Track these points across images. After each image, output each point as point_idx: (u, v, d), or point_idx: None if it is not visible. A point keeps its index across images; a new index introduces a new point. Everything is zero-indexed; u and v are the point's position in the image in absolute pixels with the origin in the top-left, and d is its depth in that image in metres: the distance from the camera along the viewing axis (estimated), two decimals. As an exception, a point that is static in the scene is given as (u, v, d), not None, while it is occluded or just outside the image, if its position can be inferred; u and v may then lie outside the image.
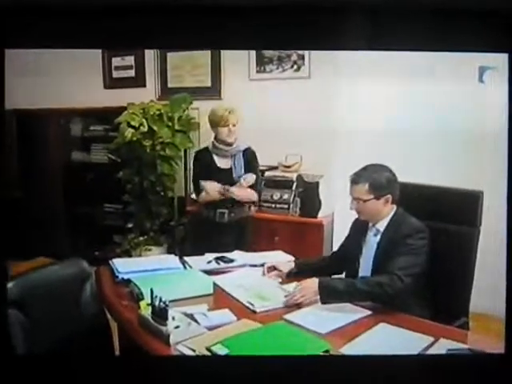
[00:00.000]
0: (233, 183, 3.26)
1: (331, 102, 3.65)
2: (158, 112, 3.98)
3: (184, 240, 3.92)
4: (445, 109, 3.28)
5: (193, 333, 2.01)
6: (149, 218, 4.10)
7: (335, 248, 2.81)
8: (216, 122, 3.23)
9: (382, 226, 2.42)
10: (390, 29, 2.17)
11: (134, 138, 3.92)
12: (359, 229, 2.52)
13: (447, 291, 2.39)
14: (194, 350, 1.92)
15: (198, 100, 4.01)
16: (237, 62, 4.04)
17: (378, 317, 2.17)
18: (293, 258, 2.77)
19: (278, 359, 1.97)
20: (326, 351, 1.93)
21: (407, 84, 3.35)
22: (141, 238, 4.03)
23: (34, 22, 2.12)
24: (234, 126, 3.23)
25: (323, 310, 2.21)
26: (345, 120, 3.65)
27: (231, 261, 2.78)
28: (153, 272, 2.55)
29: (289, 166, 3.90)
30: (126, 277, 2.47)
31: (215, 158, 3.28)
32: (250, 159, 3.29)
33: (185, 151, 4.11)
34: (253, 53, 3.96)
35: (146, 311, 2.08)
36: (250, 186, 3.28)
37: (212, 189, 3.23)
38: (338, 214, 3.71)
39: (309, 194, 3.77)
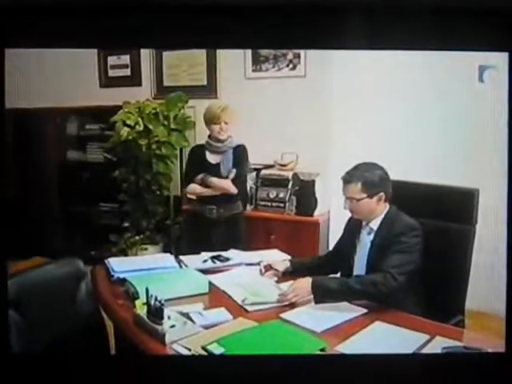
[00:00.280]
0: (220, 177, 3.32)
1: (327, 101, 3.65)
2: (153, 111, 3.97)
3: (179, 239, 3.92)
4: (444, 108, 3.28)
5: (188, 332, 2.01)
6: (145, 217, 4.09)
7: (331, 246, 2.81)
8: (209, 120, 3.30)
9: (375, 224, 2.42)
10: (389, 28, 2.18)
11: (130, 137, 3.91)
12: (353, 228, 2.52)
13: (443, 289, 2.40)
14: (189, 349, 1.92)
15: (194, 99, 4.00)
16: (233, 61, 4.03)
17: (373, 315, 2.18)
18: (289, 257, 2.77)
19: (273, 358, 1.97)
20: (322, 350, 1.94)
21: (406, 83, 3.36)
22: (137, 237, 4.02)
23: (34, 22, 2.12)
24: (226, 123, 3.28)
25: (319, 309, 2.21)
26: (340, 118, 3.66)
27: (227, 259, 2.78)
28: (148, 271, 2.54)
29: (285, 165, 3.89)
30: (121, 276, 2.47)
31: (207, 153, 3.35)
32: (237, 156, 3.34)
33: (180, 150, 4.10)
34: (249, 51, 3.95)
35: (141, 310, 2.08)
36: (233, 180, 3.32)
37: (194, 185, 3.34)
38: (333, 212, 3.71)
39: (305, 193, 3.77)
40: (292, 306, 2.25)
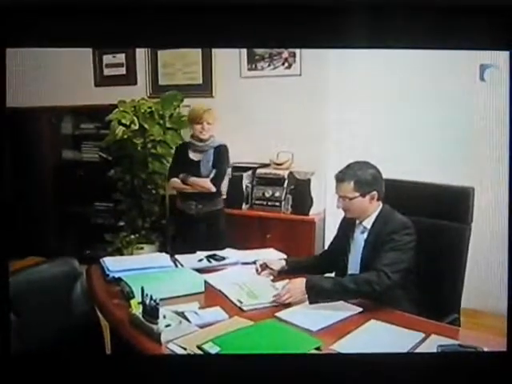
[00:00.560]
0: (199, 176, 3.46)
1: (322, 100, 3.65)
2: (149, 110, 3.96)
3: (174, 238, 3.92)
4: (445, 107, 3.29)
5: (184, 331, 2.00)
6: (140, 216, 4.08)
7: (327, 245, 2.81)
8: (192, 119, 3.46)
9: (368, 223, 2.42)
10: (389, 26, 2.17)
11: (125, 136, 3.91)
12: (347, 227, 2.52)
13: (438, 287, 2.40)
14: (185, 349, 1.92)
15: (190, 97, 3.99)
16: (228, 60, 4.03)
17: (368, 314, 2.18)
18: (285, 256, 2.77)
19: (269, 357, 1.97)
20: (318, 348, 1.94)
21: (404, 82, 3.36)
22: (132, 237, 4.01)
23: (33, 22, 2.12)
24: (208, 124, 3.42)
25: (314, 308, 2.21)
26: (336, 117, 3.65)
27: (223, 259, 2.78)
28: (144, 270, 2.54)
29: (280, 164, 3.90)
30: (116, 275, 2.46)
31: (190, 151, 3.49)
32: (217, 155, 3.46)
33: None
34: (244, 50, 3.95)
35: (136, 310, 2.08)
36: (212, 179, 3.44)
37: (175, 179, 3.49)
38: (329, 211, 3.71)
39: (300, 192, 3.77)
40: (287, 305, 2.25)
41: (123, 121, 3.89)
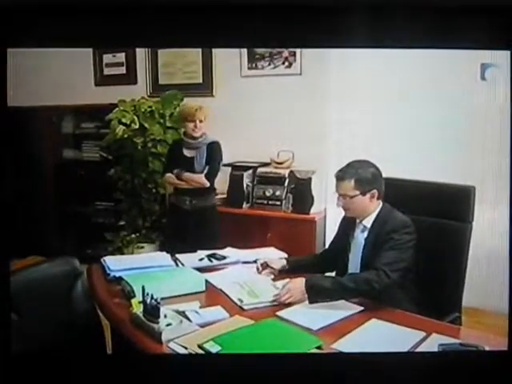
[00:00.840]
0: (193, 171, 3.50)
1: (323, 99, 3.65)
2: (149, 109, 3.96)
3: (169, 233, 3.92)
4: (446, 106, 3.29)
5: (185, 330, 2.00)
6: (141, 216, 4.08)
7: (328, 244, 2.81)
8: (184, 117, 3.50)
9: (368, 222, 2.42)
10: (389, 26, 2.17)
11: (126, 135, 3.91)
12: (347, 226, 2.52)
13: (439, 286, 2.40)
14: (186, 348, 1.92)
15: (190, 97, 3.99)
16: (228, 59, 4.03)
17: (369, 313, 2.18)
18: (285, 255, 2.77)
19: (269, 356, 1.97)
20: (319, 347, 1.94)
21: (405, 81, 3.36)
22: (133, 236, 4.01)
23: (34, 22, 2.12)
24: (200, 122, 3.46)
25: (315, 307, 2.21)
26: (336, 116, 3.65)
27: (223, 258, 2.78)
28: (144, 270, 2.54)
29: (281, 163, 3.89)
30: (117, 274, 2.46)
31: (184, 148, 3.54)
32: (210, 152, 3.50)
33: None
34: (244, 49, 3.94)
35: (137, 309, 2.08)
36: (206, 175, 3.49)
37: (170, 175, 3.55)
38: (330, 209, 3.71)
39: (301, 191, 3.77)
40: (288, 305, 2.24)
41: (123, 120, 3.89)
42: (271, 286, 2.41)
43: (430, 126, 3.37)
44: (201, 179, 3.48)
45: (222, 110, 3.79)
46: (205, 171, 3.49)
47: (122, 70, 4.35)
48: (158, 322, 1.97)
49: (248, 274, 2.62)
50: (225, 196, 3.93)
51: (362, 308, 2.22)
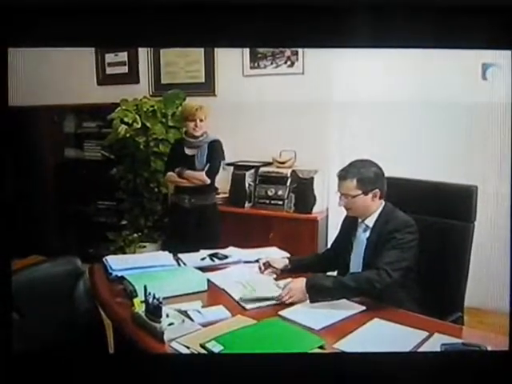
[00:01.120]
0: (194, 169, 3.52)
1: (325, 98, 3.64)
2: (151, 108, 3.96)
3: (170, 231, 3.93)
4: (447, 106, 3.28)
5: (187, 330, 2.00)
6: (143, 215, 4.08)
7: (330, 243, 2.81)
8: (185, 117, 3.52)
9: (370, 221, 2.42)
10: (390, 25, 2.17)
11: (128, 135, 3.91)
12: (349, 225, 2.52)
13: (442, 286, 2.40)
14: (188, 347, 1.92)
15: (192, 96, 3.98)
16: (230, 58, 4.03)
17: (371, 312, 2.18)
18: (288, 254, 2.76)
19: (272, 356, 1.97)
20: (321, 347, 1.94)
21: (406, 80, 3.35)
22: (135, 235, 4.01)
23: (35, 21, 2.12)
24: (201, 121, 3.47)
25: (317, 307, 2.21)
26: (339, 115, 3.65)
27: (225, 257, 2.78)
28: (146, 269, 2.54)
29: (283, 162, 3.90)
30: (119, 274, 2.46)
31: (185, 147, 3.56)
32: (211, 150, 3.52)
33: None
34: (246, 49, 3.94)
35: (139, 308, 2.08)
36: (206, 173, 3.50)
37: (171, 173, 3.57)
38: (332, 209, 3.71)
39: (303, 190, 3.77)
40: (290, 305, 2.24)
41: (125, 119, 3.89)
42: (273, 286, 2.41)
43: (431, 126, 3.37)
44: (202, 176, 3.48)
45: (224, 110, 3.79)
46: (205, 169, 3.50)
47: (125, 70, 4.35)
48: (160, 322, 1.97)
49: (250, 273, 2.62)
50: (227, 195, 3.94)
51: (364, 308, 2.21)
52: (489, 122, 2.48)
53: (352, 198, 2.38)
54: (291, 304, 2.24)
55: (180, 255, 2.78)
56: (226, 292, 2.38)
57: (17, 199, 2.27)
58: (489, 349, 2.01)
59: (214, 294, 2.37)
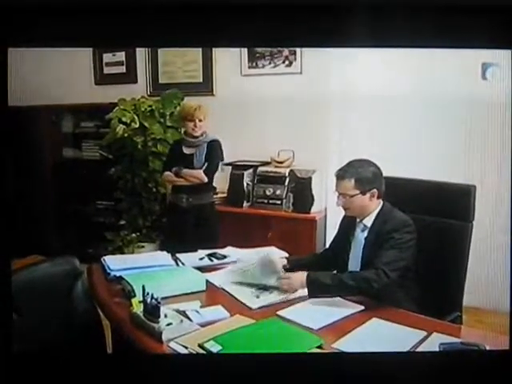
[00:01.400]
0: (192, 168, 3.51)
1: (323, 98, 3.65)
2: (149, 108, 3.96)
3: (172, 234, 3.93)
4: (447, 106, 3.28)
5: (185, 330, 2.00)
6: (141, 215, 4.08)
7: (328, 243, 2.81)
8: (183, 117, 3.50)
9: (369, 221, 2.42)
10: (390, 25, 2.16)
11: (126, 135, 3.91)
12: (347, 225, 2.52)
13: (440, 286, 2.40)
14: (186, 348, 1.92)
15: (190, 96, 3.99)
16: (229, 58, 4.03)
17: (370, 312, 2.18)
18: (286, 254, 2.76)
19: (270, 356, 1.97)
20: (319, 347, 1.94)
21: (406, 80, 3.35)
22: (133, 235, 4.01)
23: (35, 22, 2.12)
24: (200, 121, 3.45)
25: (316, 306, 2.21)
26: (337, 115, 3.65)
27: (224, 257, 2.78)
28: (145, 269, 2.53)
29: (281, 162, 3.90)
30: (117, 274, 2.46)
31: (183, 147, 3.55)
32: (210, 149, 3.51)
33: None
34: (244, 48, 3.94)
35: (138, 309, 2.07)
36: (204, 171, 3.50)
37: (169, 173, 3.56)
38: (330, 209, 3.71)
39: (301, 190, 3.77)
40: (291, 303, 2.25)
41: (123, 119, 3.89)
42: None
43: (430, 126, 3.38)
44: (199, 174, 3.48)
45: (223, 109, 3.79)
46: (204, 167, 3.49)
47: (122, 69, 4.35)
48: (158, 322, 1.97)
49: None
50: (225, 195, 3.93)
51: (362, 307, 2.22)
52: (488, 122, 2.48)
53: (350, 197, 2.38)
54: (290, 302, 2.25)
55: (178, 255, 2.77)
56: (227, 292, 2.38)
57: (15, 199, 2.27)
58: (487, 348, 2.01)
59: (213, 294, 2.37)
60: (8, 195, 2.24)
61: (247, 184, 3.91)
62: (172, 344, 1.93)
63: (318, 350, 1.94)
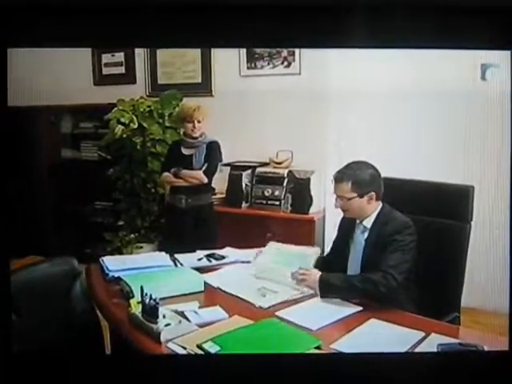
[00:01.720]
0: (192, 169, 3.51)
1: (322, 98, 3.65)
2: (148, 109, 3.96)
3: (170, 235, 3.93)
4: (446, 106, 3.28)
5: (184, 330, 2.00)
6: (140, 216, 4.08)
7: (327, 244, 2.81)
8: (182, 118, 3.51)
9: (368, 222, 2.42)
10: (389, 26, 2.17)
11: (124, 135, 3.91)
12: (347, 227, 2.52)
13: (439, 286, 2.40)
14: (185, 348, 1.92)
15: (189, 96, 3.98)
16: (227, 58, 4.02)
17: (368, 313, 2.18)
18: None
19: (269, 356, 1.97)
20: (318, 347, 1.94)
21: (405, 81, 3.35)
22: (132, 236, 4.01)
23: (34, 22, 2.12)
24: (199, 122, 3.46)
25: (314, 307, 2.22)
26: (336, 116, 3.65)
27: (222, 258, 2.78)
28: (143, 270, 2.54)
29: (280, 163, 3.90)
30: (116, 275, 2.46)
31: (182, 148, 3.55)
32: (209, 150, 3.51)
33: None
34: (243, 49, 3.94)
35: (136, 309, 2.07)
36: (204, 172, 3.50)
37: (167, 174, 3.56)
38: (329, 209, 3.71)
39: (300, 191, 3.77)
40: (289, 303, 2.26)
41: (122, 120, 3.89)
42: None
43: (429, 126, 3.38)
44: (199, 175, 3.48)
45: (221, 110, 3.79)
46: (203, 168, 3.49)
47: (121, 70, 4.34)
48: (156, 323, 1.97)
49: (249, 273, 2.62)
50: (224, 196, 3.93)
51: (360, 308, 2.22)
52: (487, 123, 2.48)
53: (347, 200, 2.39)
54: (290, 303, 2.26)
55: (177, 256, 2.77)
56: (232, 293, 2.38)
57: (13, 200, 2.27)
58: (486, 349, 2.01)
59: (211, 295, 2.37)
60: (7, 196, 2.24)
61: (246, 185, 3.91)
62: (170, 345, 1.93)
63: (317, 351, 1.94)
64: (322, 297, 2.28)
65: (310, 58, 3.75)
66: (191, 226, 3.51)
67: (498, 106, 2.36)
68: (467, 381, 2.17)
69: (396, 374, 2.13)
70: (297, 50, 3.84)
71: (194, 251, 2.84)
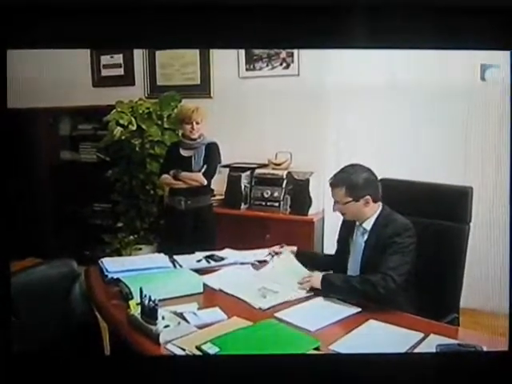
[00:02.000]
0: (191, 171, 3.52)
1: (321, 99, 3.65)
2: (146, 110, 3.96)
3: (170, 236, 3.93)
4: (446, 107, 3.29)
5: (183, 332, 2.00)
6: (138, 217, 4.08)
7: (326, 245, 2.82)
8: (181, 120, 3.51)
9: (368, 224, 2.42)
10: (389, 26, 2.17)
11: (123, 137, 3.91)
12: (347, 228, 2.53)
13: (438, 287, 2.40)
14: (184, 349, 1.91)
15: (188, 98, 3.98)
16: (226, 60, 4.03)
17: (367, 314, 2.18)
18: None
19: (268, 357, 1.97)
20: (316, 348, 1.94)
21: (404, 82, 3.35)
22: (131, 237, 4.01)
23: (34, 23, 2.12)
24: (197, 123, 3.46)
25: (313, 308, 2.22)
26: (334, 117, 3.65)
27: (221, 259, 2.77)
28: (142, 271, 2.53)
29: (279, 164, 3.90)
30: (115, 276, 2.46)
31: (181, 149, 3.55)
32: (208, 152, 3.51)
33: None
34: (242, 50, 3.95)
35: (135, 311, 2.07)
36: (203, 174, 3.50)
37: (166, 175, 3.56)
38: (328, 211, 3.71)
39: (299, 192, 3.77)
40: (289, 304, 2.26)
41: (121, 121, 3.89)
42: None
43: (429, 127, 3.38)
44: (198, 176, 3.48)
45: (220, 112, 3.80)
46: (202, 170, 3.49)
47: (120, 72, 4.34)
48: (155, 324, 1.97)
49: (249, 274, 2.63)
50: (223, 197, 3.93)
51: (359, 309, 2.22)
52: (487, 123, 2.48)
53: (344, 204, 2.39)
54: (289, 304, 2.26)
55: (176, 257, 2.77)
56: (233, 295, 2.37)
57: (13, 201, 2.27)
58: (485, 349, 2.01)
59: (210, 296, 2.37)
60: (6, 197, 2.24)
61: (245, 186, 3.91)
62: (169, 346, 1.92)
63: (315, 352, 1.94)
64: (324, 296, 2.30)
65: (309, 60, 3.75)
66: (190, 228, 3.51)
67: (498, 106, 2.36)
68: (466, 381, 2.17)
69: (395, 375, 2.13)
70: (295, 52, 3.84)
71: (193, 253, 2.84)
